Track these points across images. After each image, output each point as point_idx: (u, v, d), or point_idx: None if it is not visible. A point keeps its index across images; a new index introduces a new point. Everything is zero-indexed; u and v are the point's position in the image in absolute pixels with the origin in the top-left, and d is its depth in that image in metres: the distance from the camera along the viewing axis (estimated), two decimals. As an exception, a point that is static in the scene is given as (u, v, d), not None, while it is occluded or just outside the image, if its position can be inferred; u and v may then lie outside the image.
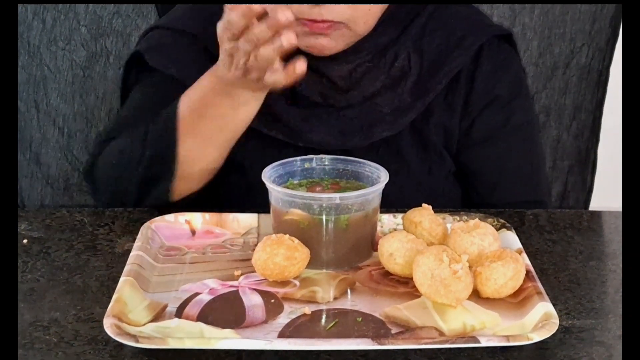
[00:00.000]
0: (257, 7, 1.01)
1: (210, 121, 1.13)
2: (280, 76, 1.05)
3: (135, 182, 1.18)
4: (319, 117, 1.21)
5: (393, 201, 1.13)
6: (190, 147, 1.14)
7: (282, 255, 0.96)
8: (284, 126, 1.21)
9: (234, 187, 1.24)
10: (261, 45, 1.02)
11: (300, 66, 1.05)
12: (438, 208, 1.14)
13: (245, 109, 1.13)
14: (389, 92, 1.23)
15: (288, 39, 1.01)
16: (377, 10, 1.17)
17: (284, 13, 1.00)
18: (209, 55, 1.23)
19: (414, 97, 1.23)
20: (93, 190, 1.27)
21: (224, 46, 1.06)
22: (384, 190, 1.04)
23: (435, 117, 1.25)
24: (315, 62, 1.20)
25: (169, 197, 1.17)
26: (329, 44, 1.16)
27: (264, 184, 1.03)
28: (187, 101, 1.15)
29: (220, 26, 1.05)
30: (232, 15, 1.02)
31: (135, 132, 1.19)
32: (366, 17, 1.16)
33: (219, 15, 1.25)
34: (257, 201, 1.09)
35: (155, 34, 1.30)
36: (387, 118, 1.22)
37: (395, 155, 1.24)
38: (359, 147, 1.20)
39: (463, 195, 1.31)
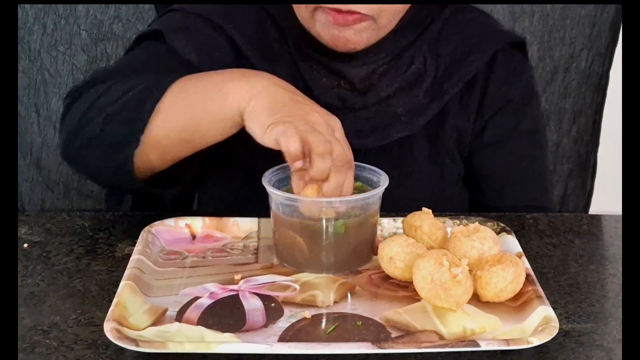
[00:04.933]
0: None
1: (188, 118, 1.06)
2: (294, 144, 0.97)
3: (104, 114, 1.10)
4: None
5: (403, 204, 1.13)
6: (161, 127, 1.06)
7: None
8: None
9: (241, 191, 1.23)
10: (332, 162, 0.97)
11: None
12: (446, 212, 1.14)
13: (230, 126, 1.06)
14: (404, 94, 1.23)
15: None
16: (402, 7, 1.18)
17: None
18: (233, 47, 1.22)
19: (429, 99, 1.24)
20: (63, 115, 1.18)
21: (310, 133, 0.97)
22: (393, 193, 1.05)
23: (450, 119, 1.26)
24: (335, 63, 1.21)
25: (131, 164, 1.07)
26: (354, 38, 1.16)
27: (264, 188, 1.03)
28: (180, 90, 1.08)
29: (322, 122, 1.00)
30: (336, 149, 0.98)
31: (119, 84, 1.12)
32: (390, 12, 1.16)
33: (237, 11, 1.25)
34: (258, 207, 1.09)
35: (175, 15, 1.27)
36: (402, 119, 1.23)
37: (409, 157, 1.25)
38: (374, 148, 1.21)
39: (470, 200, 1.32)
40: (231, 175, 1.27)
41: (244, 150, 1.21)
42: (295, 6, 1.19)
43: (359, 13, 1.13)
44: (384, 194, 1.04)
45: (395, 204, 1.09)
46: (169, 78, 1.09)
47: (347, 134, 1.20)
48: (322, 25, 1.16)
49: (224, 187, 1.29)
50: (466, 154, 1.29)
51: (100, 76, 1.19)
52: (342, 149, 1.00)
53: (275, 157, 1.01)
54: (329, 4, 1.13)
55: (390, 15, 1.17)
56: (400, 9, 1.18)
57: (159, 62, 1.21)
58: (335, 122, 1.04)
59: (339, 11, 1.13)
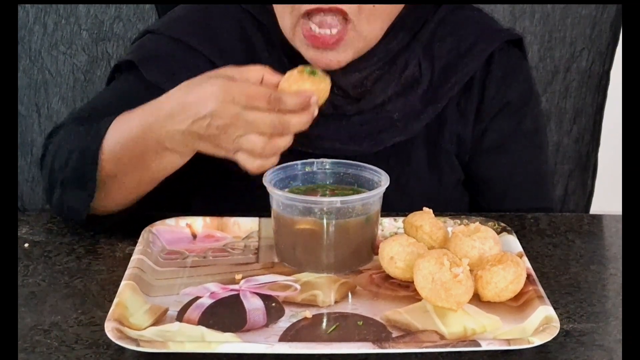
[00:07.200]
0: (289, 103, 0.99)
1: (131, 157, 1.07)
2: (252, 164, 1.01)
3: (60, 181, 1.12)
4: (329, 124, 1.20)
5: (400, 211, 1.12)
6: (110, 170, 1.08)
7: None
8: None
9: (236, 195, 1.23)
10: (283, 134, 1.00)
11: (271, 163, 1.03)
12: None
13: (169, 159, 1.06)
14: (400, 99, 1.21)
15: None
16: (382, 11, 1.15)
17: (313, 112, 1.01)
18: (212, 65, 1.21)
19: (425, 104, 1.21)
20: (40, 165, 1.19)
21: (241, 114, 0.98)
22: (391, 200, 1.04)
23: (449, 125, 1.24)
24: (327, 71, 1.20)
25: (83, 212, 1.10)
26: (336, 58, 1.14)
27: (265, 188, 1.03)
28: (117, 127, 1.08)
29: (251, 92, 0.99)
30: (290, 100, 0.99)
31: (75, 129, 1.14)
32: (370, 15, 1.13)
33: (217, 25, 1.24)
34: (259, 206, 1.08)
35: (150, 40, 1.26)
36: (398, 124, 1.21)
37: (406, 163, 1.23)
38: (369, 154, 1.19)
39: (470, 203, 1.30)
40: (225, 188, 1.25)
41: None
42: (278, 17, 1.17)
43: (335, 33, 1.11)
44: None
45: (392, 210, 1.09)
46: (97, 139, 1.08)
47: (341, 140, 1.19)
48: (301, 44, 1.15)
49: (217, 201, 1.27)
50: (467, 159, 1.27)
51: (73, 117, 1.21)
52: (260, 118, 0.98)
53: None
54: (309, 3, 1.11)
55: (369, 18, 1.13)
56: (381, 10, 1.15)
57: (133, 95, 1.18)
58: (230, 85, 1.00)
59: (315, 36, 1.12)
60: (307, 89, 1.01)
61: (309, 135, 1.18)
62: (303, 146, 1.17)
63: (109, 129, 1.08)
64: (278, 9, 1.17)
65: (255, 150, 1.00)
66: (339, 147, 1.19)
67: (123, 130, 1.07)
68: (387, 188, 1.04)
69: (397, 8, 1.19)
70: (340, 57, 1.14)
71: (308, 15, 1.12)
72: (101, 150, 1.07)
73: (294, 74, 1.02)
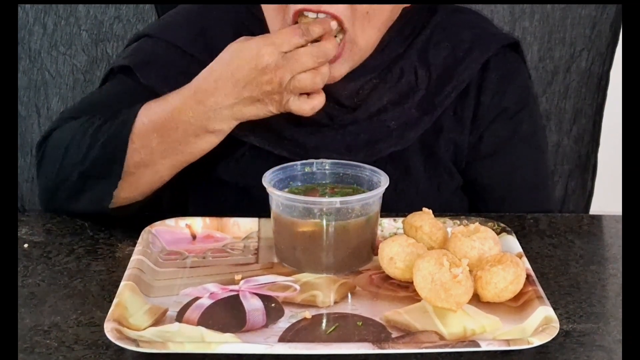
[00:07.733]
0: (316, 30, 1.06)
1: (166, 142, 1.10)
2: (305, 106, 1.08)
3: (77, 174, 1.13)
4: (325, 134, 1.20)
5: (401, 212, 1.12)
6: (140, 159, 1.10)
7: None
8: (289, 144, 1.19)
9: (235, 204, 1.22)
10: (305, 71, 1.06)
11: (320, 101, 1.08)
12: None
13: (208, 140, 1.10)
14: (396, 108, 1.20)
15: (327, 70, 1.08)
16: (377, 18, 1.15)
17: (332, 42, 1.07)
18: None
19: (421, 112, 1.20)
20: (38, 163, 1.20)
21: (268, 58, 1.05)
22: (390, 205, 1.04)
23: (445, 132, 1.23)
24: None
25: (107, 202, 1.12)
26: (332, 73, 1.12)
27: (264, 188, 1.03)
28: (150, 114, 1.10)
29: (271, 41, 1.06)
30: (315, 27, 1.06)
31: (91, 122, 1.14)
32: (364, 23, 1.13)
33: (213, 32, 1.24)
34: (258, 207, 1.08)
35: (146, 44, 1.26)
36: (394, 133, 1.20)
37: (404, 172, 1.22)
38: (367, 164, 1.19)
39: (471, 208, 1.29)
40: (220, 197, 1.26)
41: (232, 172, 1.20)
42: (269, 24, 1.17)
43: (330, 12, 1.11)
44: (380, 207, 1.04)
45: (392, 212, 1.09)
46: (126, 127, 1.10)
47: (337, 150, 1.18)
48: None
49: (216, 202, 1.27)
50: (464, 165, 1.25)
51: (76, 110, 1.22)
52: (302, 53, 1.05)
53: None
54: (302, 4, 1.10)
55: (363, 26, 1.13)
56: (375, 20, 1.14)
57: (127, 96, 1.18)
58: (271, 47, 1.05)
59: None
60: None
61: (306, 147, 1.18)
62: (300, 157, 1.16)
63: (137, 118, 1.10)
64: (268, 10, 1.17)
65: (307, 87, 1.06)
66: (335, 158, 1.17)
67: (156, 118, 1.10)
68: (386, 194, 1.04)
69: (393, 15, 1.18)
70: (336, 73, 1.14)
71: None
72: (131, 138, 1.09)
73: (304, 21, 1.10)
